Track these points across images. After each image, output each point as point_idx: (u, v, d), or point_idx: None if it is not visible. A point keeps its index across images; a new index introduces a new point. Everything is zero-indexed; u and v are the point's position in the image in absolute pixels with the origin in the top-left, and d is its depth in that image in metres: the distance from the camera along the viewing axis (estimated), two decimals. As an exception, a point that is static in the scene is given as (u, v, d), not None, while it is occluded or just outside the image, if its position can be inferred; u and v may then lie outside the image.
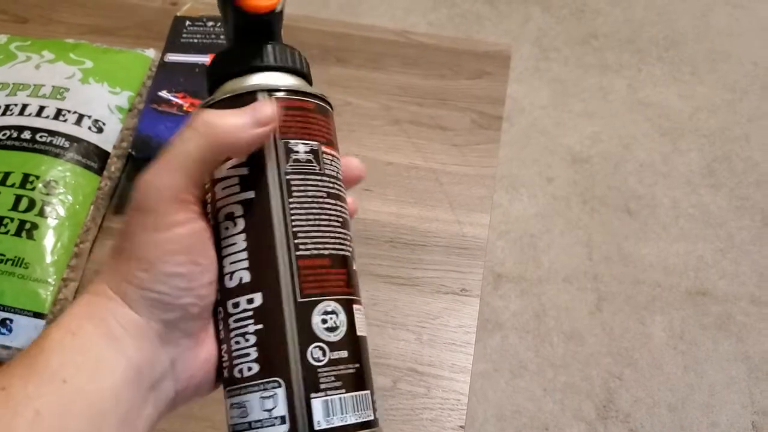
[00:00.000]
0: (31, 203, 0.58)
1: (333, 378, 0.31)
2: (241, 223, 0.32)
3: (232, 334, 0.32)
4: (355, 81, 0.75)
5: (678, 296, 1.47)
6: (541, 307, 1.45)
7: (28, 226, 0.57)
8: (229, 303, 0.32)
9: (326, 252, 0.32)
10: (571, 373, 1.37)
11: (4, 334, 0.54)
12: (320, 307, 0.32)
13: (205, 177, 0.32)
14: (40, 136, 0.61)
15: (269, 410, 0.30)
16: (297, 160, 0.33)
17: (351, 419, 0.31)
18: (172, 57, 0.67)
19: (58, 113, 0.63)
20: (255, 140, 0.31)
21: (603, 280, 1.49)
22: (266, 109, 0.32)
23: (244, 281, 0.32)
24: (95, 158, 0.62)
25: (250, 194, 0.32)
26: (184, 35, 0.69)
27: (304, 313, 0.31)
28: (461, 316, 0.59)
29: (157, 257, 0.30)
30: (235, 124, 0.31)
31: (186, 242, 0.31)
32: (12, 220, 0.57)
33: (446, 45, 0.79)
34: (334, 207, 0.33)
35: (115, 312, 0.31)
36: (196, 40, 0.68)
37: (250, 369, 0.31)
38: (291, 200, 0.32)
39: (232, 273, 0.32)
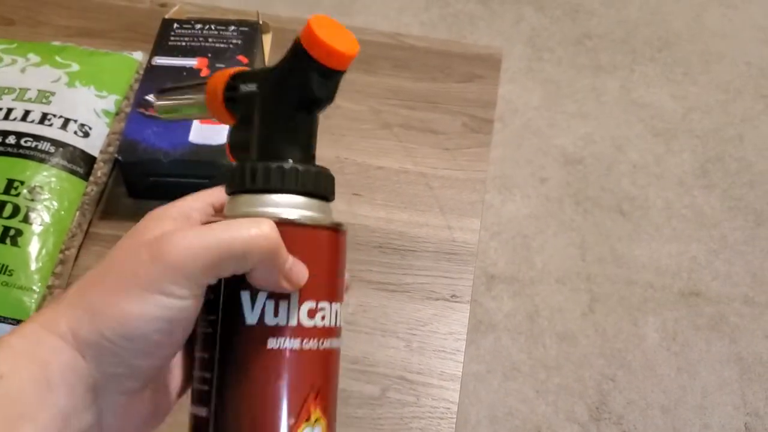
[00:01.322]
0: (16, 209, 0.57)
1: None
2: None
3: None
4: (345, 84, 0.74)
5: (671, 297, 1.47)
6: (534, 308, 1.44)
7: (12, 232, 0.56)
8: None
9: None
10: (564, 375, 1.36)
11: (-13, 342, 0.53)
12: None
13: (226, 273, 0.29)
14: (25, 141, 0.60)
15: None
16: None
17: None
18: (160, 60, 0.66)
19: (44, 117, 0.62)
20: (273, 287, 0.30)
21: (596, 281, 1.48)
22: (303, 274, 0.30)
23: None
24: (81, 163, 0.62)
25: None
26: (172, 38, 0.68)
27: None
28: (451, 323, 0.59)
29: (139, 314, 0.28)
30: (281, 263, 0.29)
31: (174, 314, 0.29)
32: (-4, 226, 0.56)
33: (437, 48, 0.78)
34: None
35: (59, 353, 0.28)
36: (184, 43, 0.68)
37: None
38: None
39: None
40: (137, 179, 0.62)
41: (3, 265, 0.55)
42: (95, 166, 0.63)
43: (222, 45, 0.68)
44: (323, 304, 0.31)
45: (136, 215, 0.64)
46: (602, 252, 1.53)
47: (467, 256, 0.63)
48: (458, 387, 0.55)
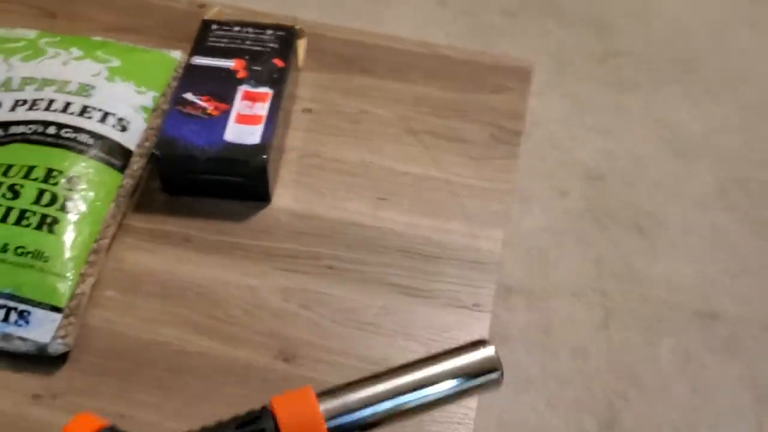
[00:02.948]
0: (54, 198, 0.59)
1: None
2: None
3: None
4: (375, 90, 0.76)
5: (686, 317, 1.47)
6: (548, 322, 1.45)
7: (49, 220, 0.58)
8: None
9: None
10: (576, 389, 1.36)
11: (21, 325, 0.55)
12: None
13: None
14: (65, 132, 0.62)
15: None
16: None
17: None
18: (199, 60, 0.68)
19: (84, 110, 0.64)
20: None
21: (611, 297, 1.49)
22: None
23: None
24: (118, 156, 0.63)
25: None
26: (211, 39, 0.70)
27: None
28: (473, 332, 0.60)
29: None
30: None
31: None
32: (34, 213, 0.58)
33: (468, 58, 0.79)
34: None
35: None
36: (222, 45, 0.69)
37: None
38: None
39: None
40: (173, 175, 0.63)
41: (39, 252, 0.57)
42: (131, 159, 0.64)
43: (259, 48, 0.69)
44: None
45: (169, 210, 0.66)
46: (618, 268, 1.53)
47: (490, 266, 0.64)
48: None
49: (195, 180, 0.63)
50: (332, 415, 0.32)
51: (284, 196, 0.67)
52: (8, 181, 0.59)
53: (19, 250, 0.56)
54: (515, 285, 1.49)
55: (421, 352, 0.58)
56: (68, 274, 0.57)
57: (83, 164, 0.61)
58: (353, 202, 0.67)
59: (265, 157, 0.61)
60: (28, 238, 0.57)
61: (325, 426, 0.31)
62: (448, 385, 0.33)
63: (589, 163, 1.68)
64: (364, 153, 0.72)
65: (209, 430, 0.31)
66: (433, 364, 0.34)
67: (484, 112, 0.75)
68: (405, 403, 0.33)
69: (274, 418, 0.31)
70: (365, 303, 0.61)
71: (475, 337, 0.60)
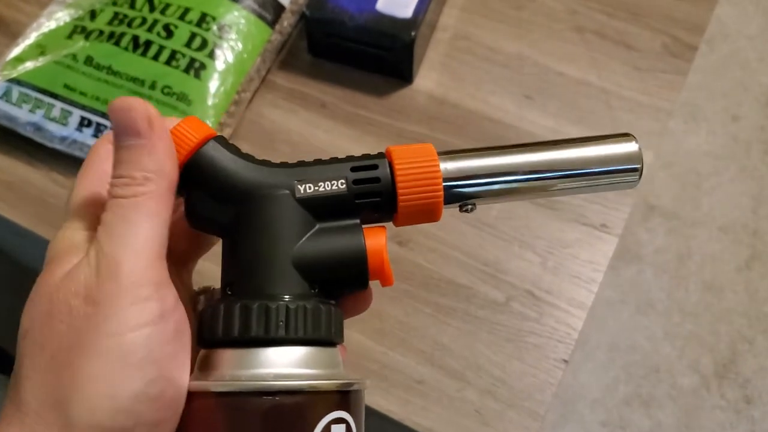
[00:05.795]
0: (204, 43, 0.60)
1: None
2: None
3: None
4: (546, -23, 0.70)
5: (844, 276, 1.34)
6: (687, 251, 1.37)
7: (197, 65, 0.59)
8: None
9: None
10: (699, 324, 1.30)
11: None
12: None
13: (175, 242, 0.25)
14: (224, -22, 0.62)
15: None
16: None
17: None
18: None
19: (244, -42, 0.63)
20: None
21: (762, 238, 1.38)
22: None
23: None
24: (270, 10, 0.63)
25: None
26: None
27: None
28: (594, 252, 0.57)
29: (117, 373, 0.22)
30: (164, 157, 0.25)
31: (156, 350, 0.22)
32: (184, 56, 0.59)
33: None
34: None
35: None
36: None
37: None
38: None
39: None
40: (320, 37, 0.62)
41: (183, 94, 0.58)
42: (283, 15, 0.64)
43: None
44: None
45: (312, 73, 0.66)
46: (780, 209, 1.41)
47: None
48: (584, 316, 0.54)
49: (340, 46, 0.62)
50: (451, 177, 0.29)
51: (427, 77, 0.64)
52: (164, 20, 0.61)
53: (166, 90, 0.58)
54: (660, 206, 1.41)
55: (535, 263, 0.56)
56: (208, 121, 0.59)
57: (236, 13, 0.61)
58: (497, 96, 0.64)
59: (412, 34, 0.58)
60: (176, 79, 0.59)
61: (442, 186, 0.29)
62: (578, 173, 0.30)
63: (776, 89, 1.52)
64: (521, 45, 0.67)
65: (323, 163, 0.29)
66: (565, 146, 0.30)
67: (661, 19, 0.68)
68: (528, 180, 0.30)
69: (390, 167, 0.29)
70: (487, 204, 0.59)
71: (595, 259, 0.57)
